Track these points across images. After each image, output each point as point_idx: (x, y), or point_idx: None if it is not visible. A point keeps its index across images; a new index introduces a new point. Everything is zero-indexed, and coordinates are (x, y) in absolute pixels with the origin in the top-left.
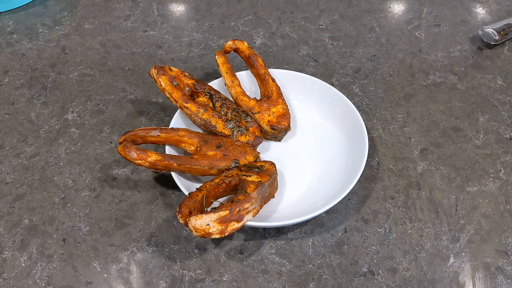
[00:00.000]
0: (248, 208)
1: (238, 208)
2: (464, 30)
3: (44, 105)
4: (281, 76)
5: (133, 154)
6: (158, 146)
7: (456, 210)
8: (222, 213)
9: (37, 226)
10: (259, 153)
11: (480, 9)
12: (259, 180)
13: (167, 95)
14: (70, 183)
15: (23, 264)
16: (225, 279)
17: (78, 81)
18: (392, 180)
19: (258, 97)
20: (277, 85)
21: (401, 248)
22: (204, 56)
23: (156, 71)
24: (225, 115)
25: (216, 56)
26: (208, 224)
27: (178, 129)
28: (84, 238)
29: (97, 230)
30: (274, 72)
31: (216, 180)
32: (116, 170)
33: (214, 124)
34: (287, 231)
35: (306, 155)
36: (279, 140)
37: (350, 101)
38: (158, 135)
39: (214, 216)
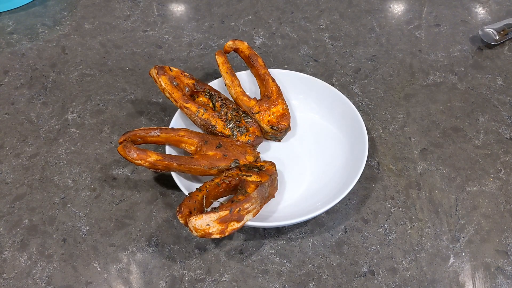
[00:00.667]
0: (248, 208)
1: (238, 208)
2: (464, 30)
3: (44, 105)
4: (281, 76)
5: (133, 154)
6: (158, 146)
7: (456, 210)
8: (222, 213)
9: (37, 226)
10: (259, 153)
11: (480, 9)
12: (259, 180)
13: (167, 95)
14: (70, 183)
15: (23, 264)
16: (225, 279)
17: (78, 81)
18: (392, 180)
19: (258, 97)
20: (277, 85)
21: (401, 248)
22: (204, 56)
23: (156, 71)
24: (225, 115)
25: (216, 56)
26: (208, 224)
27: (178, 129)
28: (84, 238)
29: (97, 230)
30: (274, 72)
31: (216, 180)
32: (116, 170)
33: (214, 124)
34: (287, 231)
35: (306, 155)
36: (279, 140)
37: (350, 101)
38: (158, 135)
39: (214, 216)
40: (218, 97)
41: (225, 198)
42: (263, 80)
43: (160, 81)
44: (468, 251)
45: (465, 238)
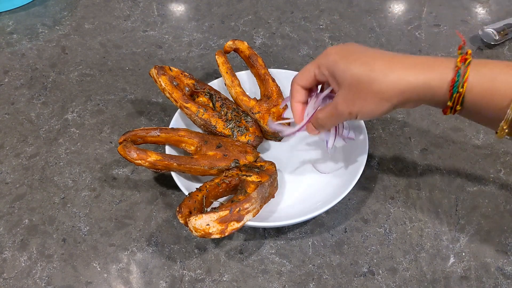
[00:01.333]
0: (248, 208)
1: (238, 208)
2: (464, 30)
3: (44, 105)
4: (281, 76)
5: (133, 154)
6: (158, 146)
7: (456, 210)
8: (222, 213)
9: (37, 226)
10: (259, 153)
11: (480, 9)
12: (259, 180)
13: (167, 95)
14: (70, 183)
15: (23, 264)
16: (225, 279)
17: (78, 81)
18: (392, 180)
19: (258, 97)
20: (277, 85)
21: (401, 248)
22: (204, 56)
23: (156, 71)
24: (225, 115)
25: (216, 56)
26: (208, 224)
27: (178, 129)
28: (84, 238)
29: (97, 230)
30: (274, 72)
31: (216, 180)
32: (116, 170)
33: (214, 124)
34: (287, 231)
35: (306, 155)
36: (279, 140)
37: None
38: (158, 135)
39: (214, 216)
40: (218, 97)
41: (225, 198)
42: (263, 80)
43: (160, 81)
44: (468, 251)
45: (465, 238)
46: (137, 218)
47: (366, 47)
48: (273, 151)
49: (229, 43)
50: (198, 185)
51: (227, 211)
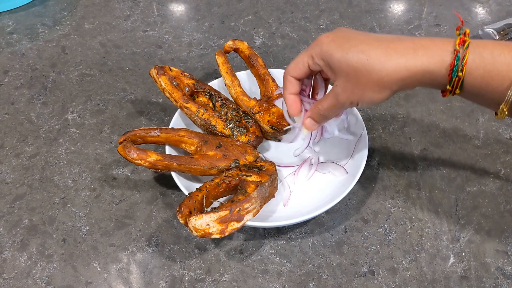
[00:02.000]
0: (248, 208)
1: (238, 208)
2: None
3: (44, 105)
4: (281, 76)
5: (133, 154)
6: (158, 146)
7: (456, 210)
8: (222, 213)
9: (37, 226)
10: (259, 153)
11: (480, 9)
12: (259, 180)
13: (167, 95)
14: (70, 183)
15: (23, 264)
16: (225, 279)
17: (78, 81)
18: (392, 180)
19: (258, 97)
20: (277, 85)
21: (401, 248)
22: (204, 56)
23: (156, 71)
24: (225, 115)
25: (216, 56)
26: (208, 224)
27: (178, 129)
28: (84, 238)
29: (97, 230)
30: (274, 72)
31: (216, 180)
32: (116, 170)
33: (214, 124)
34: (287, 231)
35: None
36: (279, 140)
37: None
38: (158, 135)
39: (214, 216)
40: (218, 97)
41: (225, 198)
42: (263, 80)
43: (160, 81)
44: (468, 251)
45: (465, 238)
46: (137, 218)
47: (359, 32)
48: (273, 151)
49: (229, 43)
50: (198, 185)
51: (227, 211)
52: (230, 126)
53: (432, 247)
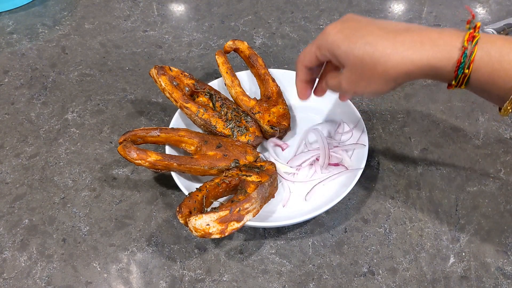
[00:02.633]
0: (248, 208)
1: (238, 208)
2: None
3: (44, 105)
4: (281, 76)
5: (133, 154)
6: (158, 146)
7: (456, 210)
8: (222, 213)
9: (37, 226)
10: (259, 153)
11: (480, 9)
12: (259, 180)
13: (167, 95)
14: (70, 183)
15: (23, 264)
16: (225, 279)
17: (78, 81)
18: (392, 180)
19: (258, 97)
20: (277, 85)
21: (401, 248)
22: (204, 56)
23: (156, 71)
24: (225, 115)
25: (216, 56)
26: (208, 224)
27: (178, 129)
28: (84, 238)
29: (97, 230)
30: (274, 72)
31: (216, 180)
32: (116, 170)
33: (214, 124)
34: (287, 231)
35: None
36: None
37: (350, 101)
38: (158, 135)
39: (214, 216)
40: (218, 97)
41: (225, 198)
42: (263, 80)
43: (160, 81)
44: (468, 251)
45: (465, 238)
46: (137, 218)
47: (367, 20)
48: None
49: (229, 43)
50: (198, 185)
51: (227, 211)
52: (230, 126)
53: (432, 247)
